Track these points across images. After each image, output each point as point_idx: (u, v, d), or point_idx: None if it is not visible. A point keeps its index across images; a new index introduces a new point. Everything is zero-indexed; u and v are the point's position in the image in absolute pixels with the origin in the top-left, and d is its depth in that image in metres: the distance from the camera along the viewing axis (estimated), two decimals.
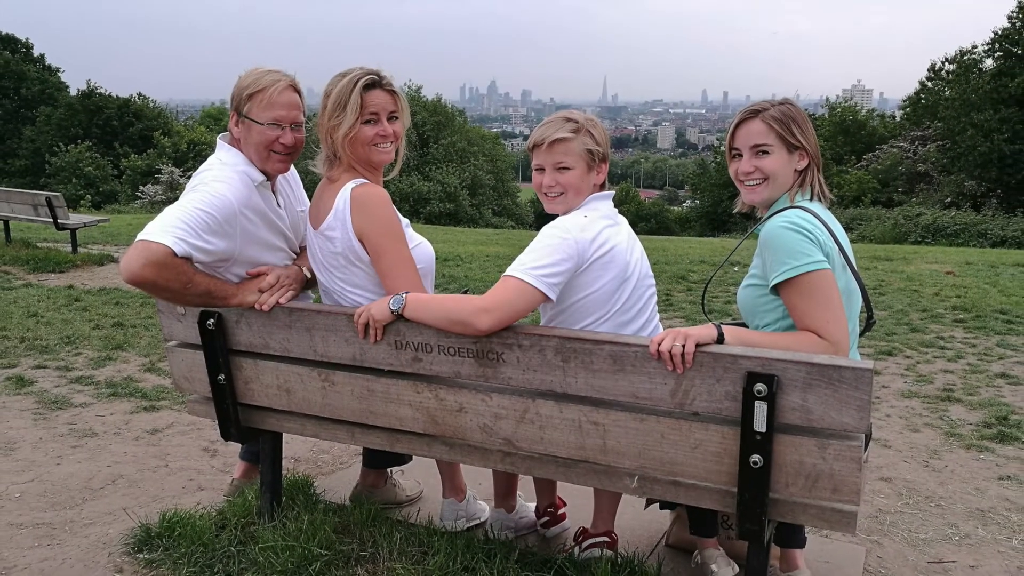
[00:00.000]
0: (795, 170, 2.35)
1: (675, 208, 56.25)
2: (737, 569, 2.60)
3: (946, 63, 34.20)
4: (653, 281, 2.55)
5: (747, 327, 2.36)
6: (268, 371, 2.68)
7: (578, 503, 3.03)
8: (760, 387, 1.99)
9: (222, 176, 2.59)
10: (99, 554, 2.89)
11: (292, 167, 2.86)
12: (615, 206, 2.53)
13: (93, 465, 3.77)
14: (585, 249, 2.32)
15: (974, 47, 30.84)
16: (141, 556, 2.82)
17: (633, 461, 2.23)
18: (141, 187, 28.89)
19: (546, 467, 2.39)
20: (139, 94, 45.94)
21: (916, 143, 31.64)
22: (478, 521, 3.04)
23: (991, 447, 4.13)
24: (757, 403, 2.00)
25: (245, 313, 2.63)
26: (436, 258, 2.81)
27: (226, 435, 2.85)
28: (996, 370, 5.52)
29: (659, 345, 2.07)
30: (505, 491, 2.93)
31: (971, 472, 3.83)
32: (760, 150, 2.33)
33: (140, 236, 2.38)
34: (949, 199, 26.21)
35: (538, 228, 2.52)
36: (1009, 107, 26.88)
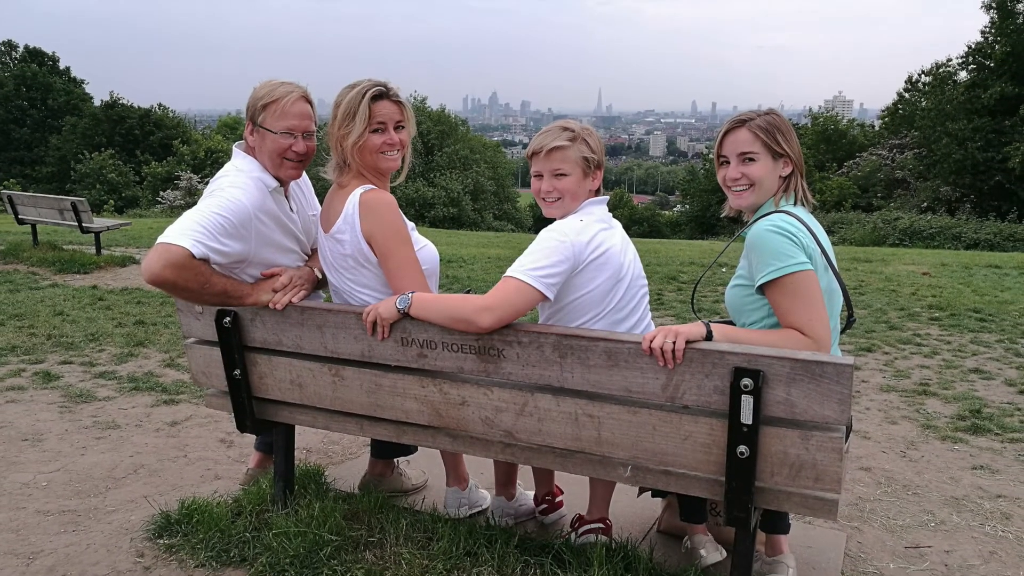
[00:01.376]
0: (780, 176, 2.35)
1: (666, 212, 56.11)
2: (725, 554, 2.60)
3: (922, 75, 34.21)
4: (645, 281, 2.55)
5: (734, 325, 2.36)
6: (281, 366, 2.67)
7: (574, 491, 3.02)
8: (747, 382, 1.99)
9: (238, 182, 2.58)
10: (121, 539, 2.89)
11: (304, 173, 2.86)
12: (609, 210, 2.53)
13: (116, 455, 3.77)
14: (581, 251, 2.32)
15: (949, 60, 30.85)
16: (161, 541, 2.82)
17: (626, 452, 2.23)
18: (161, 192, 28.82)
19: (544, 457, 2.39)
20: (159, 105, 45.82)
21: (894, 151, 31.64)
22: (480, 508, 3.04)
23: (965, 438, 4.13)
24: (744, 397, 2.00)
25: (260, 312, 2.63)
26: (440, 259, 2.81)
27: (242, 427, 2.85)
28: (970, 366, 5.52)
29: (651, 342, 2.07)
30: (505, 480, 2.93)
31: (946, 462, 3.82)
32: (747, 157, 2.33)
33: (160, 239, 2.38)
34: (925, 204, 26.21)
35: (537, 231, 2.52)
36: (982, 117, 26.87)
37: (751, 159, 2.32)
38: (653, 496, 2.83)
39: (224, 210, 2.48)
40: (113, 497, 3.29)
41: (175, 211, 23.88)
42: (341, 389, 2.59)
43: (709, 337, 2.10)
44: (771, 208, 2.32)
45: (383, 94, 2.52)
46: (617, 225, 2.52)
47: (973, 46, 28.69)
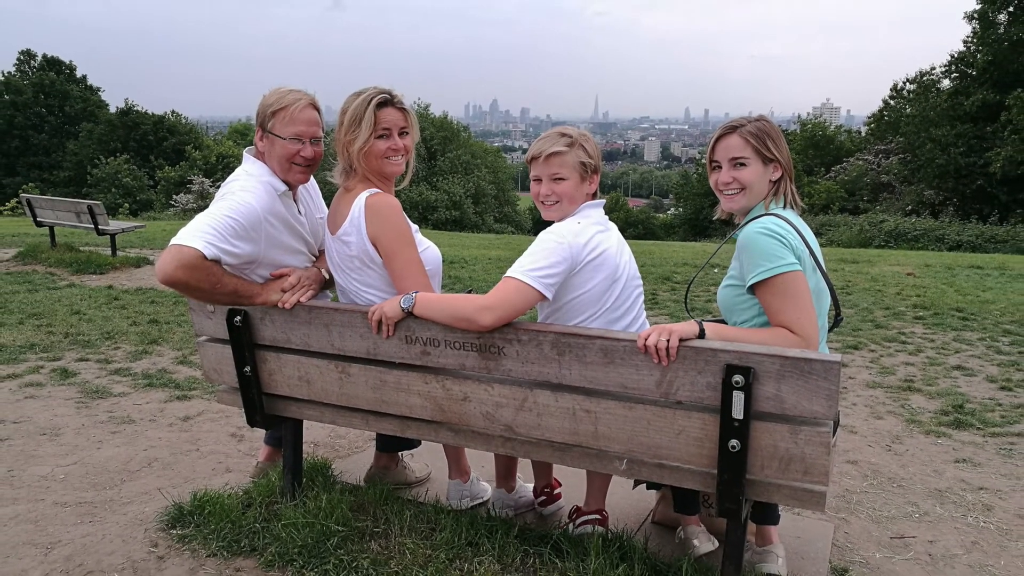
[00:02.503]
0: (770, 180, 2.35)
1: (660, 215, 56.08)
2: (717, 544, 2.60)
3: (907, 83, 34.16)
4: (640, 281, 2.55)
5: (726, 324, 2.36)
6: (290, 363, 2.67)
7: (572, 483, 3.03)
8: (738, 378, 1.99)
9: (248, 186, 2.58)
10: (136, 530, 2.89)
11: (312, 178, 2.85)
12: (606, 213, 2.53)
13: (131, 449, 3.77)
14: (578, 253, 2.32)
15: (933, 68, 30.81)
16: (174, 532, 2.82)
17: (622, 445, 2.22)
18: (174, 196, 28.80)
19: (543, 451, 2.39)
20: (172, 111, 45.82)
21: (880, 156, 31.62)
22: (481, 500, 3.04)
23: (948, 433, 4.13)
24: (735, 393, 2.00)
25: (269, 311, 2.63)
26: (443, 260, 2.81)
27: (252, 422, 2.85)
28: (953, 363, 5.52)
29: (646, 340, 2.07)
30: (506, 473, 2.93)
31: (930, 455, 3.83)
32: (738, 162, 2.33)
33: (173, 241, 2.37)
34: (910, 207, 26.19)
35: (536, 233, 2.52)
36: (964, 123, 26.85)
37: (742, 164, 2.32)
38: (648, 488, 2.83)
39: (235, 213, 2.48)
40: (128, 489, 3.29)
41: (188, 214, 23.87)
42: (347, 385, 2.59)
43: (702, 335, 2.10)
44: (761, 211, 2.32)
45: (388, 101, 2.52)
46: (613, 227, 2.52)
47: (956, 55, 28.67)
